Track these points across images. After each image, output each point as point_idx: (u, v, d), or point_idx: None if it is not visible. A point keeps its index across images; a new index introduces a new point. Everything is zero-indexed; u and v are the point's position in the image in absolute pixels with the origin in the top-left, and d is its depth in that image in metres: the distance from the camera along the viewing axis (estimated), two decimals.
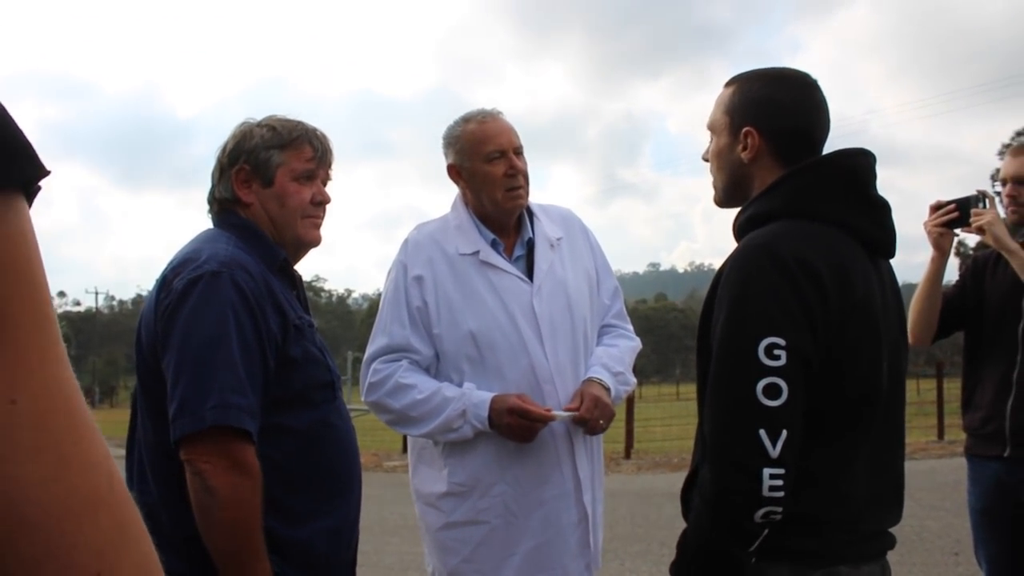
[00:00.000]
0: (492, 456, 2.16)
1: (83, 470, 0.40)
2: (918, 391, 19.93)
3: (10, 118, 0.41)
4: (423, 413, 2.14)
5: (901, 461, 1.62)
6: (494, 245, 2.27)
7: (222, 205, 1.83)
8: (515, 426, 2.09)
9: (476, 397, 2.12)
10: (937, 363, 14.67)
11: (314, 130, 1.84)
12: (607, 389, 2.21)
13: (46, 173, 0.42)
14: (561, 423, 2.17)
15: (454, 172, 2.31)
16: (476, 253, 2.24)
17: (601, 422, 2.19)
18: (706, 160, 1.71)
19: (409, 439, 2.38)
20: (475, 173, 2.25)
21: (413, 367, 2.20)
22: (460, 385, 2.17)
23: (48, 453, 0.39)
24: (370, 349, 2.24)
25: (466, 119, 2.29)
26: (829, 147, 1.64)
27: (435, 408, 2.13)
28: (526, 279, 2.25)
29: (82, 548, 0.40)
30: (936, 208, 2.61)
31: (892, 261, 1.66)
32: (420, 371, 2.20)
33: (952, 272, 2.98)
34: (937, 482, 7.67)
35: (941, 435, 11.79)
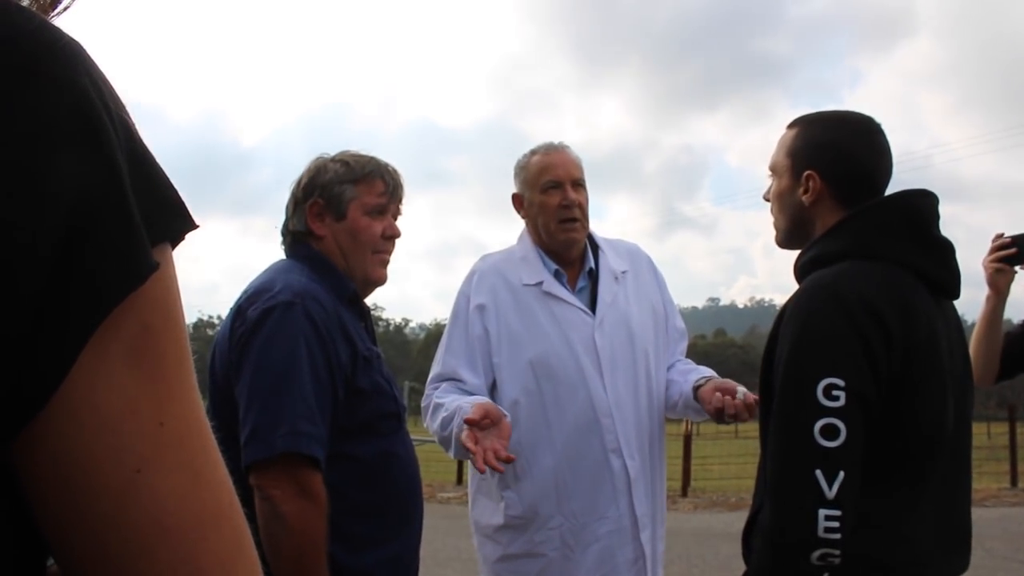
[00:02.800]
0: (550, 489, 2.16)
1: (212, 486, 0.46)
2: (989, 435, 19.15)
3: (168, 179, 0.47)
4: (447, 434, 2.06)
5: (967, 505, 1.59)
6: (557, 276, 2.29)
7: (295, 237, 1.89)
8: (462, 443, 1.88)
9: (465, 404, 1.99)
10: (1009, 406, 14.09)
11: (386, 165, 1.90)
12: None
13: (195, 227, 0.48)
14: (618, 457, 2.16)
15: (518, 201, 2.38)
16: (539, 284, 2.27)
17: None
18: (767, 200, 1.73)
19: (469, 470, 2.40)
20: (533, 203, 2.31)
21: (452, 388, 2.18)
22: (515, 415, 2.13)
23: (186, 470, 0.44)
24: (430, 376, 2.29)
25: (533, 151, 2.36)
26: (893, 181, 1.64)
27: (452, 430, 2.03)
28: (588, 311, 2.26)
29: (209, 555, 0.45)
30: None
31: (961, 298, 1.64)
32: (457, 391, 2.17)
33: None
34: (1010, 531, 7.36)
35: (1014, 482, 11.29)
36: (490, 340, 2.23)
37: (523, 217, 2.38)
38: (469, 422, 1.82)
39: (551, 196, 2.26)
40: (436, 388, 2.23)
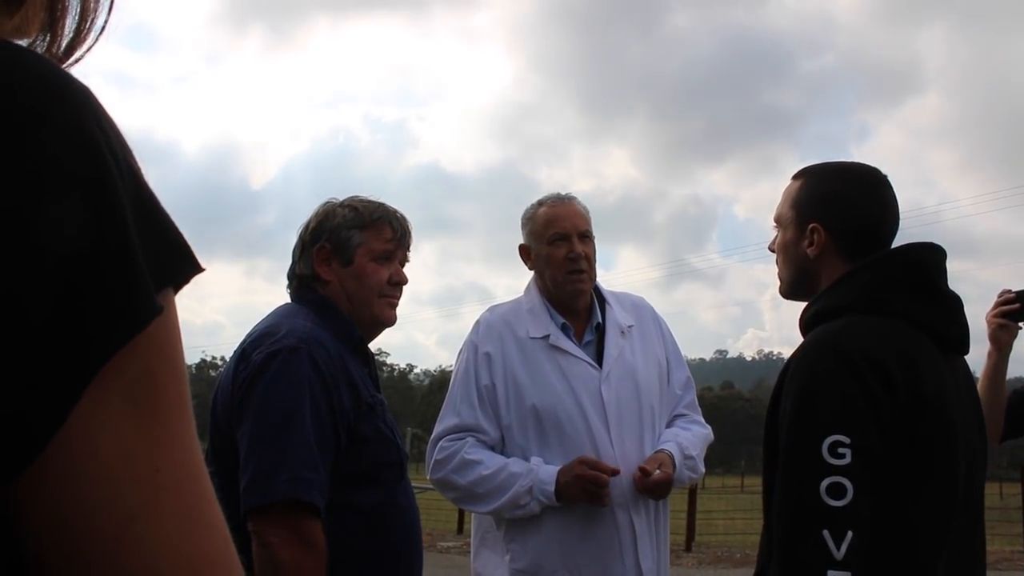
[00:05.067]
0: (555, 543, 2.14)
1: (207, 532, 0.45)
2: (1001, 495, 18.81)
3: (173, 223, 0.48)
4: (489, 490, 2.14)
5: (983, 567, 1.56)
6: (564, 329, 2.29)
7: (301, 281, 1.89)
8: (584, 476, 2.07)
9: (543, 472, 2.12)
10: (1022, 466, 13.87)
11: (394, 212, 1.91)
12: (672, 466, 2.20)
13: (200, 270, 0.48)
14: (624, 512, 2.15)
15: (525, 253, 2.38)
16: (546, 337, 2.26)
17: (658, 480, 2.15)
18: (772, 250, 1.72)
19: (473, 521, 2.37)
20: (540, 255, 2.32)
21: (479, 445, 2.21)
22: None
23: (181, 517, 0.44)
24: (438, 428, 2.26)
25: (540, 202, 2.37)
26: (904, 235, 1.63)
27: (501, 484, 2.12)
28: (595, 364, 2.25)
29: None
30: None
31: (971, 355, 1.61)
32: (486, 448, 2.21)
33: None
34: None
35: None
36: (496, 391, 2.22)
37: (530, 268, 2.39)
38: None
39: (558, 248, 2.27)
40: (460, 440, 2.20)
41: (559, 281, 2.28)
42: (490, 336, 2.28)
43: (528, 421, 2.19)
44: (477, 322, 2.36)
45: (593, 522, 2.15)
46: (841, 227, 1.58)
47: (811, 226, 1.59)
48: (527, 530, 2.15)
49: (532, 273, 2.41)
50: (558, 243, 2.27)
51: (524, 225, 2.38)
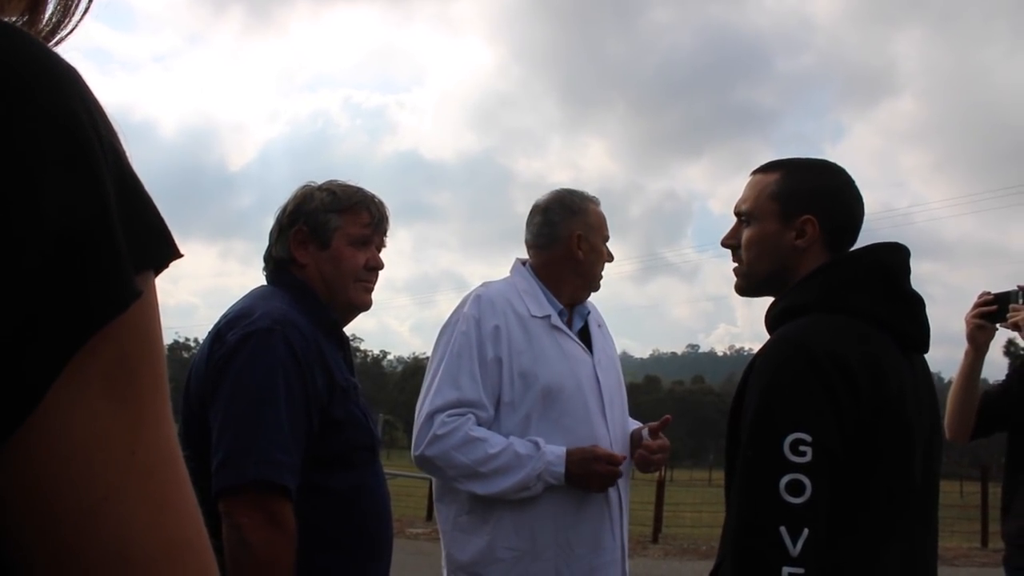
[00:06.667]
0: (548, 520, 2.16)
1: (179, 518, 0.45)
2: (961, 494, 19.17)
3: (155, 207, 0.47)
4: (494, 469, 2.11)
5: (934, 561, 1.59)
6: (560, 315, 2.34)
7: (278, 264, 1.88)
8: (604, 473, 2.16)
9: (550, 455, 2.12)
10: (982, 465, 14.14)
11: (372, 197, 1.91)
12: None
13: (180, 255, 0.48)
14: (615, 490, 2.25)
15: (579, 241, 2.35)
16: (547, 317, 2.30)
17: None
18: (727, 246, 1.71)
19: (439, 511, 2.35)
20: (595, 249, 2.39)
21: (475, 421, 2.18)
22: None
23: (154, 501, 0.44)
24: (435, 401, 2.18)
25: (588, 198, 2.43)
26: (875, 236, 1.66)
27: (506, 465, 2.11)
28: (587, 350, 2.34)
29: None
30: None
31: (939, 356, 1.65)
32: (478, 424, 2.18)
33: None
34: None
35: (985, 542, 11.31)
36: (502, 365, 2.19)
37: (572, 253, 2.34)
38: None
39: (605, 248, 2.41)
40: (462, 416, 2.15)
41: (598, 277, 2.41)
42: (494, 311, 2.25)
43: (534, 397, 2.18)
44: (477, 296, 2.30)
45: (588, 498, 2.20)
46: (832, 221, 1.60)
47: (804, 218, 1.59)
48: (517, 508, 2.15)
49: (515, 257, 2.45)
50: (606, 244, 2.42)
51: (577, 213, 2.36)
